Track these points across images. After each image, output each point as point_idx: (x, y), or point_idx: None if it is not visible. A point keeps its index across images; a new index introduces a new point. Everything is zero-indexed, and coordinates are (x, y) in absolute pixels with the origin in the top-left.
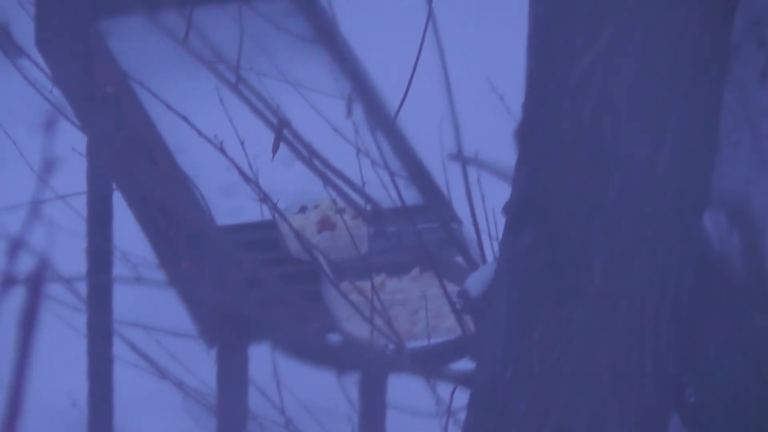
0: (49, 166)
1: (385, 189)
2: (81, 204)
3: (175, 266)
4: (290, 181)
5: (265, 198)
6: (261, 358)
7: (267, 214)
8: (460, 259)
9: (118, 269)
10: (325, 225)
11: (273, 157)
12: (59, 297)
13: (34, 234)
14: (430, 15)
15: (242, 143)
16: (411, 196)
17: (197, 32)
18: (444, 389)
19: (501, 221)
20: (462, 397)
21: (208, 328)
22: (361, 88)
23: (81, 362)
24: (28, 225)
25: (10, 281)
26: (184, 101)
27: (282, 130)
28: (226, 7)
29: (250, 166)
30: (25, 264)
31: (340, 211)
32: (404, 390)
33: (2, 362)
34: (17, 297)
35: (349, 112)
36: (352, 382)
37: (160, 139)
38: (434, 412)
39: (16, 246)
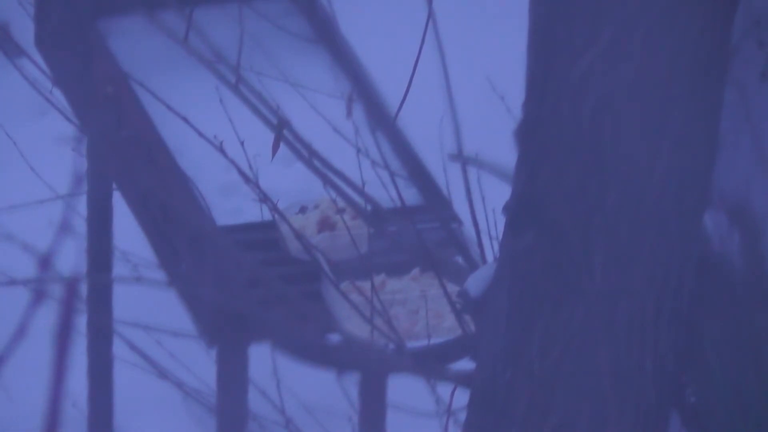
0: (79, 181)
1: (385, 189)
2: (81, 204)
3: (175, 266)
4: (290, 181)
5: (265, 198)
6: (261, 358)
7: (267, 214)
8: (460, 259)
9: (118, 269)
10: (325, 225)
11: (273, 157)
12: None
13: (63, 246)
14: (430, 15)
15: (242, 143)
16: (411, 196)
17: (197, 32)
18: (444, 389)
19: (501, 221)
20: (462, 397)
21: (208, 328)
22: (361, 88)
23: (81, 362)
24: (58, 237)
25: (39, 295)
26: (184, 101)
27: (282, 130)
28: (226, 7)
29: (250, 166)
30: (26, 267)
31: (340, 212)
32: (404, 390)
33: (32, 372)
34: (18, 299)
35: (349, 112)
36: (352, 382)
37: (160, 139)
38: (434, 412)
39: (47, 259)
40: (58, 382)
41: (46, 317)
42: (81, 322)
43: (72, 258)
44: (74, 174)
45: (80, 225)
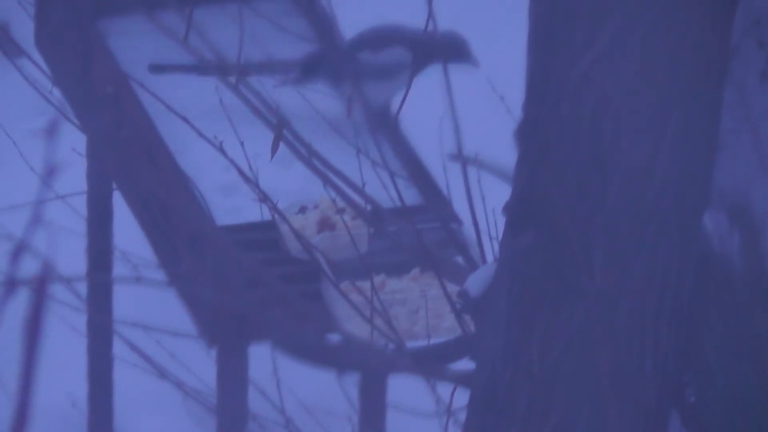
0: (51, 171)
1: (385, 189)
2: (81, 204)
3: (175, 266)
4: (290, 181)
5: (265, 198)
6: (261, 358)
7: (267, 214)
8: (460, 259)
9: (118, 269)
10: (325, 225)
11: (273, 157)
12: (59, 297)
13: (37, 236)
14: (430, 15)
15: (242, 143)
16: (411, 196)
17: (197, 32)
18: (444, 389)
19: (501, 221)
20: (462, 397)
21: (208, 328)
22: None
23: (81, 362)
24: (30, 228)
25: (13, 284)
26: (184, 101)
27: (282, 130)
28: (226, 7)
29: (250, 166)
30: (28, 266)
31: (340, 211)
32: (404, 390)
33: (6, 364)
34: (20, 299)
35: (349, 112)
36: (352, 382)
37: (160, 139)
38: (434, 412)
39: (19, 249)
40: (28, 374)
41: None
42: (81, 322)
43: (46, 249)
44: (47, 166)
45: (80, 225)
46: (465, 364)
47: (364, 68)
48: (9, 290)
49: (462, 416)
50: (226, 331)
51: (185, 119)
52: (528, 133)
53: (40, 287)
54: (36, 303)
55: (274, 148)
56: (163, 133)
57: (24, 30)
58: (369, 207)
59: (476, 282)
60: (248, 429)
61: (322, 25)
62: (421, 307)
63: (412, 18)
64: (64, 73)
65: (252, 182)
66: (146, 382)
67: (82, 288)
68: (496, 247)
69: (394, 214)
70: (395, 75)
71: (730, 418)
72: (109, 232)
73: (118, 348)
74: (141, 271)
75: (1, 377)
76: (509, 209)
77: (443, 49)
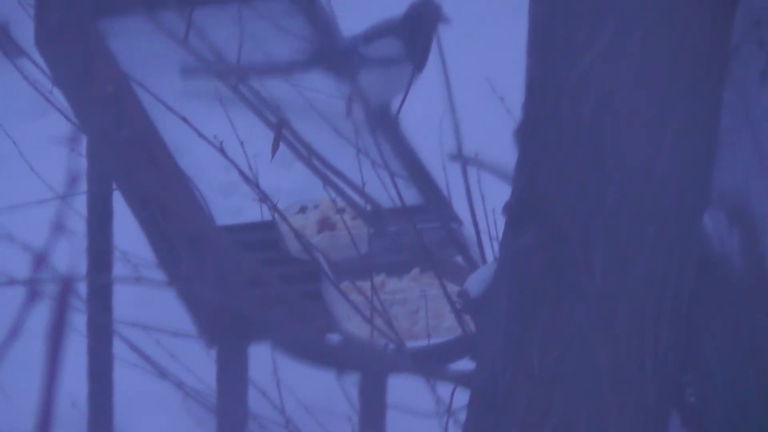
0: (74, 179)
1: (385, 189)
2: (81, 204)
3: (175, 266)
4: (290, 181)
5: (265, 198)
6: (261, 358)
7: (267, 214)
8: (460, 259)
9: (118, 269)
10: (325, 225)
11: (273, 157)
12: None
13: (58, 244)
14: None
15: (242, 143)
16: (411, 196)
17: (197, 32)
18: (444, 389)
19: (501, 221)
20: (462, 397)
21: (208, 328)
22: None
23: (81, 362)
24: (52, 239)
25: (34, 294)
26: (184, 101)
27: (281, 131)
28: (226, 7)
29: (250, 166)
30: (40, 271)
31: (340, 211)
32: (404, 390)
33: (29, 371)
34: (18, 299)
35: (349, 112)
36: (352, 382)
37: (160, 139)
38: (434, 412)
39: (41, 258)
40: (51, 381)
41: (45, 316)
42: (81, 322)
43: (67, 257)
44: (70, 173)
45: (80, 225)
46: (465, 364)
47: (364, 67)
48: (30, 298)
49: (462, 416)
50: (226, 331)
51: (185, 119)
52: (528, 133)
53: (62, 296)
54: (59, 311)
55: (274, 148)
56: (163, 133)
57: (24, 30)
58: (369, 207)
59: (476, 282)
60: (248, 429)
61: (322, 25)
62: (421, 307)
63: None
64: (64, 73)
65: (252, 182)
66: (146, 382)
67: (82, 288)
68: (496, 247)
69: (394, 214)
70: (395, 73)
71: (730, 418)
72: (109, 232)
73: (118, 348)
74: (141, 271)
75: (2, 380)
76: (509, 209)
77: (419, 18)
